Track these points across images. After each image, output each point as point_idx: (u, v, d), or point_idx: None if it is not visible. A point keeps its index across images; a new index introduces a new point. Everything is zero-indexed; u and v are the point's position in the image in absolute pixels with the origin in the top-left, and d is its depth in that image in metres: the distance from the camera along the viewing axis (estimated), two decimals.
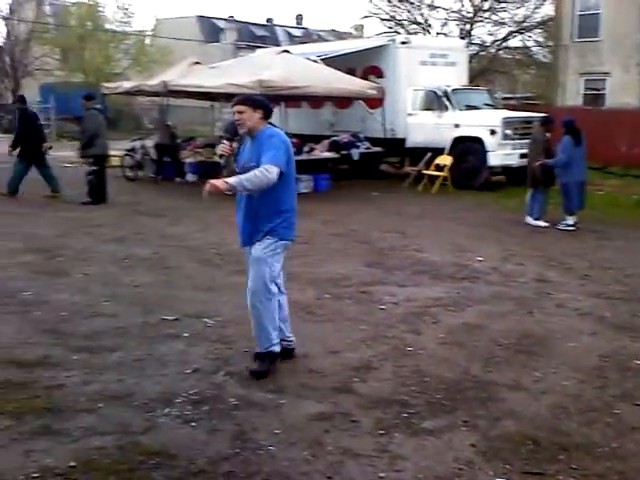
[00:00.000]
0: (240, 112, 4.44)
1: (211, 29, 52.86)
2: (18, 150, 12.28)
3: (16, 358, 4.73)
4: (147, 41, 41.90)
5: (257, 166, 4.34)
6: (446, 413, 4.06)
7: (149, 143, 16.40)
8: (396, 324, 5.65)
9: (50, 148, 12.76)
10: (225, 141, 4.63)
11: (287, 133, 4.71)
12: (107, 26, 37.86)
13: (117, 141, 13.17)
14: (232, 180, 4.30)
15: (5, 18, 40.93)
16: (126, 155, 16.02)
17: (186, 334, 5.30)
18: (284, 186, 4.44)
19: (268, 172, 4.26)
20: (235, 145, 4.66)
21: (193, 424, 3.85)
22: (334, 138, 15.80)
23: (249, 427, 3.81)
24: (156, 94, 16.38)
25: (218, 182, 4.27)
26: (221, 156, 4.71)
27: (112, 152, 12.87)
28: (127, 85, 17.62)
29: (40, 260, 7.69)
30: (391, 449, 3.62)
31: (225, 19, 54.79)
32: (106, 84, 18.80)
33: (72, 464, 3.39)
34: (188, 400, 4.14)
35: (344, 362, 4.80)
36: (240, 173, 4.47)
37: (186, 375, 4.52)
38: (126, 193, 12.96)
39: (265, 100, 4.63)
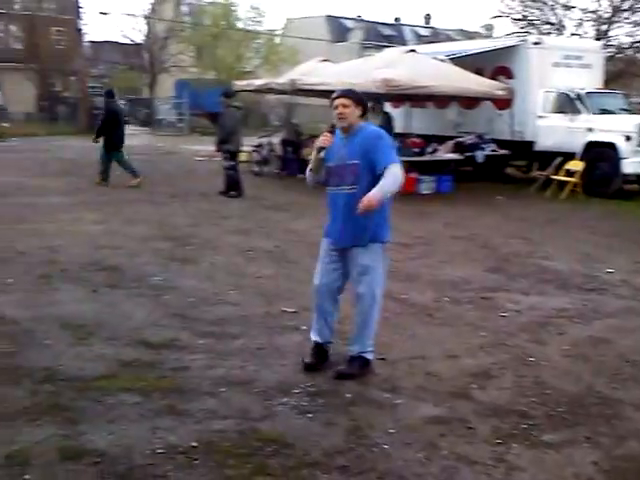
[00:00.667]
0: (345, 105, 4.33)
1: (339, 29, 53.39)
2: (102, 140, 13.05)
3: (146, 339, 4.99)
4: (277, 40, 42.94)
5: (360, 164, 4.28)
6: (567, 427, 3.91)
7: (275, 140, 16.83)
8: (518, 333, 5.49)
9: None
10: (327, 133, 4.43)
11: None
12: (239, 25, 39.15)
13: (245, 137, 13.59)
14: (379, 193, 4.14)
15: (146, 17, 43.24)
16: (253, 151, 16.51)
17: (304, 327, 5.37)
18: None
19: (399, 172, 4.24)
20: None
21: (309, 415, 3.92)
22: (459, 139, 15.55)
23: (364, 423, 3.83)
24: (284, 92, 16.74)
25: (371, 200, 4.11)
26: (322, 149, 4.39)
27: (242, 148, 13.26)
28: (257, 83, 18.10)
29: (171, 247, 8.08)
30: (508, 459, 3.53)
31: (353, 19, 55.17)
32: (237, 82, 19.44)
33: (194, 444, 3.53)
34: (305, 392, 4.21)
35: (462, 367, 4.73)
36: (331, 168, 4.39)
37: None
38: (252, 187, 13.32)
39: (365, 97, 4.54)
